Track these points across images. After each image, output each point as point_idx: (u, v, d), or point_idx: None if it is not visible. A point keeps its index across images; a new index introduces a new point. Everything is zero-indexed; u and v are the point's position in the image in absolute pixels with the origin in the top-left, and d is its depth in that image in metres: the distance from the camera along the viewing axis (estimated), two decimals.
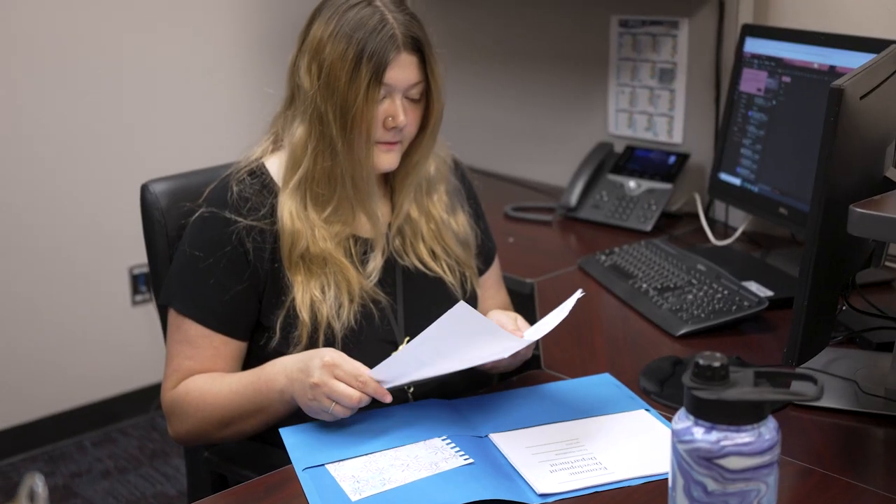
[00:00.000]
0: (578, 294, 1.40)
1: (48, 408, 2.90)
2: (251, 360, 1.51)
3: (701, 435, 0.89)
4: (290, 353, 1.45)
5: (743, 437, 0.88)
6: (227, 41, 3.05)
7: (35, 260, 2.80)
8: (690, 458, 0.89)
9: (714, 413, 0.88)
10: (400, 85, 1.46)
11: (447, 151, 1.68)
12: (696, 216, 2.26)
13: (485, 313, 1.73)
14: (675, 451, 0.92)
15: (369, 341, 1.49)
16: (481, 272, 1.70)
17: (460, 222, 1.65)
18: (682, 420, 0.91)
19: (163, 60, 2.94)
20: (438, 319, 1.26)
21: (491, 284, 1.74)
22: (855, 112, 1.20)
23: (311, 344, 1.45)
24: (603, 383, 1.49)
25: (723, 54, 2.26)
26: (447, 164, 1.67)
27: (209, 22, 3.00)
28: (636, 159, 2.40)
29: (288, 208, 1.48)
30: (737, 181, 2.05)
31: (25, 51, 2.69)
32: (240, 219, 1.46)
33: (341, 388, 1.29)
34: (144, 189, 1.63)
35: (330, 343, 1.46)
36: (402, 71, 1.45)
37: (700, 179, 2.35)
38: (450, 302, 1.59)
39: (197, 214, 1.50)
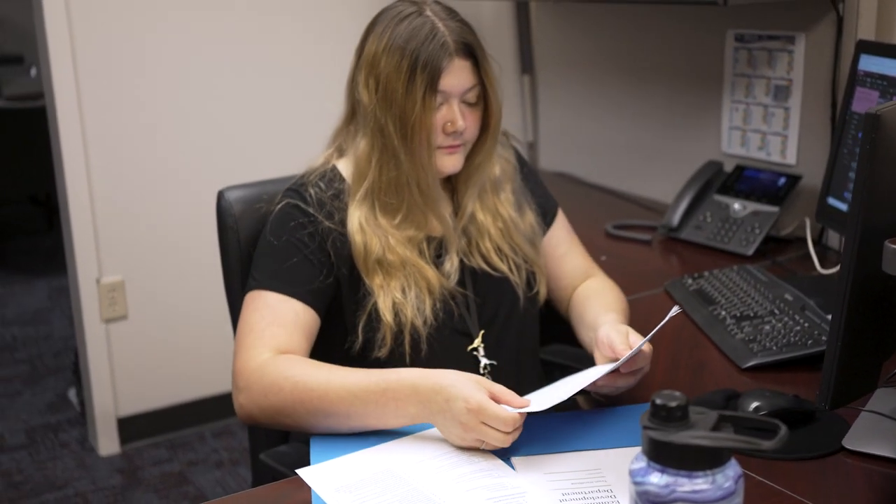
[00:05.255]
0: (675, 311, 1.35)
1: (174, 397, 3.07)
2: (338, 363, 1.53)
3: (652, 478, 0.85)
4: (376, 355, 1.49)
5: (695, 484, 0.83)
6: (316, 54, 3.10)
7: (162, 257, 2.97)
8: (642, 501, 0.85)
9: (665, 456, 0.84)
10: (455, 90, 1.48)
11: (510, 151, 1.69)
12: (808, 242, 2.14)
13: (559, 279, 1.70)
14: (630, 492, 0.88)
15: (448, 338, 1.53)
16: (543, 232, 1.69)
17: (528, 221, 1.65)
18: (639, 461, 0.87)
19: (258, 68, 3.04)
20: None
21: (558, 244, 1.72)
22: None
23: (397, 345, 1.49)
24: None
25: (839, 71, 2.12)
26: (511, 164, 1.68)
27: (299, 34, 3.06)
28: (745, 179, 2.29)
29: (357, 219, 1.51)
30: (843, 206, 1.93)
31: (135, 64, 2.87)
32: (319, 217, 1.51)
33: (493, 434, 1.24)
34: (220, 196, 1.70)
35: (416, 342, 1.49)
36: (457, 77, 1.47)
37: (813, 203, 2.21)
38: (515, 301, 1.62)
39: (280, 206, 1.54)
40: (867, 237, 1.10)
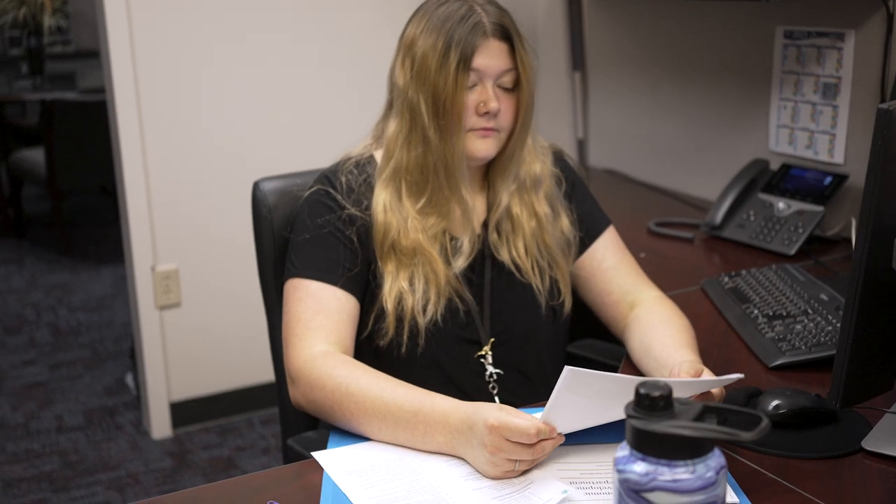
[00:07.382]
0: (736, 376, 1.29)
1: (225, 384, 3.14)
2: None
3: (634, 466, 0.85)
4: (377, 342, 1.51)
5: (675, 473, 0.83)
6: (361, 46, 3.12)
7: (216, 246, 3.04)
8: (623, 489, 0.86)
9: (647, 444, 0.84)
10: (490, 71, 1.48)
11: (549, 157, 1.67)
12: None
13: (608, 293, 1.63)
14: (614, 480, 0.88)
15: (452, 338, 1.52)
16: (585, 245, 1.66)
17: (559, 226, 1.63)
18: (622, 449, 0.88)
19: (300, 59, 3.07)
20: (555, 389, 1.15)
21: (605, 256, 1.66)
22: None
23: (397, 335, 1.50)
24: None
25: (889, 69, 2.08)
26: (548, 167, 1.66)
27: (343, 26, 3.09)
28: (791, 178, 2.26)
29: (382, 200, 1.53)
30: None
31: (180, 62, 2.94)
32: (347, 205, 1.53)
33: (518, 450, 1.18)
34: (255, 187, 1.74)
35: (414, 336, 1.49)
36: (491, 57, 1.47)
37: (860, 203, 2.17)
38: (534, 309, 1.59)
39: (311, 192, 1.57)
40: (879, 234, 1.09)
